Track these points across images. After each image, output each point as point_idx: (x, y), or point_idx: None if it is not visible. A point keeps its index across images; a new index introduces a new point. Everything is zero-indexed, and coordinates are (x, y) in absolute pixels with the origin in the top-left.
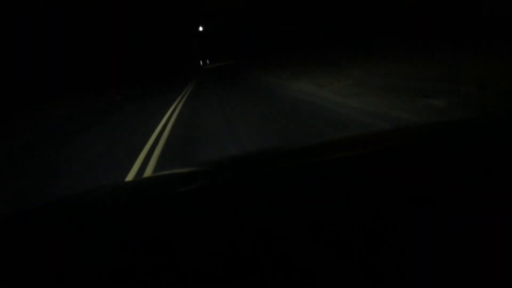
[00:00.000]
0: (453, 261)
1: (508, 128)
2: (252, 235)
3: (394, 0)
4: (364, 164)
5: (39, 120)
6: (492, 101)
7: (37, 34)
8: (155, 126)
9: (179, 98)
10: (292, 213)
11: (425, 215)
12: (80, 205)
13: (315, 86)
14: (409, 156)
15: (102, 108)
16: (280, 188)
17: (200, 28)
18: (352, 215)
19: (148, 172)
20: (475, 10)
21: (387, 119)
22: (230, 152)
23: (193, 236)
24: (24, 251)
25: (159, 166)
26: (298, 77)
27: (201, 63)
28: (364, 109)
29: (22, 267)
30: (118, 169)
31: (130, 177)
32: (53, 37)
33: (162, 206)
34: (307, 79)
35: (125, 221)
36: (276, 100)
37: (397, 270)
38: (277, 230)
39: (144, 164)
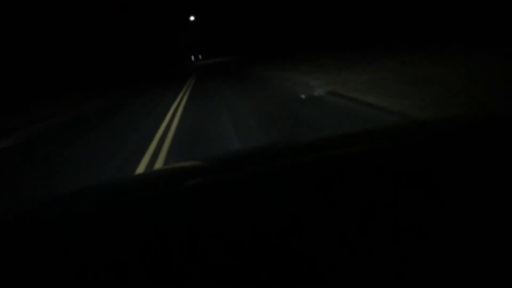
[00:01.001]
0: (453, 262)
1: (508, 127)
2: (254, 234)
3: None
4: (366, 162)
5: None
6: None
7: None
8: None
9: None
10: (295, 211)
11: (425, 215)
12: (83, 202)
13: None
14: (410, 154)
15: None
16: (283, 186)
17: (192, 18)
18: (353, 214)
19: None
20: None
21: None
22: None
23: (195, 235)
24: (28, 250)
25: None
26: None
27: (192, 58)
28: None
29: (24, 266)
30: None
31: None
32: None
33: (163, 204)
34: None
35: (127, 220)
36: None
37: (398, 271)
38: (279, 228)
39: None
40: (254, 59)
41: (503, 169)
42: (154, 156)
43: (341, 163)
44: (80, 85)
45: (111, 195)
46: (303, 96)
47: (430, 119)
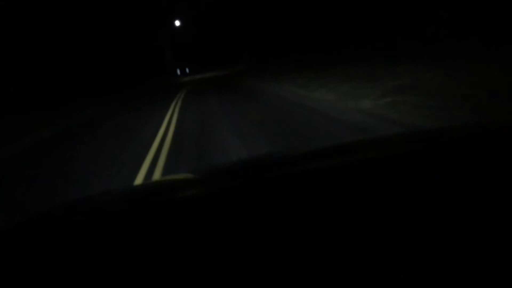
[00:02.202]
0: (457, 270)
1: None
2: (249, 244)
3: None
4: (366, 171)
5: None
6: None
7: None
8: None
9: None
10: (290, 221)
11: (429, 223)
12: (85, 211)
13: None
14: (414, 161)
15: None
16: (280, 195)
17: (177, 23)
18: (352, 222)
19: None
20: None
21: None
22: None
23: (191, 243)
24: (28, 257)
25: None
26: None
27: (178, 72)
28: None
29: (25, 271)
30: None
31: None
32: None
33: (160, 213)
34: None
35: (126, 228)
36: None
37: (400, 279)
38: (275, 238)
39: None
40: (261, 73)
41: (504, 174)
42: None
43: (342, 171)
44: None
45: (109, 204)
46: None
47: (436, 128)
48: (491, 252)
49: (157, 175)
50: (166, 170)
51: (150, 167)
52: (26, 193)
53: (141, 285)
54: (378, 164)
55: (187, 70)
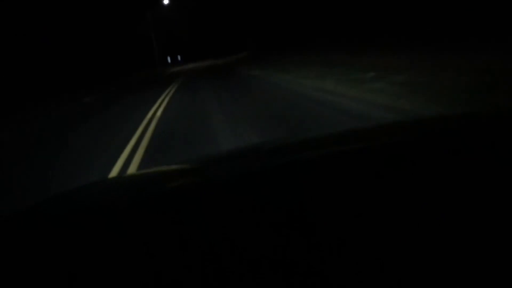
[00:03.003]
0: (456, 265)
1: (508, 123)
2: (244, 236)
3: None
4: (362, 160)
5: None
6: None
7: None
8: None
9: None
10: (286, 212)
11: (425, 215)
12: (78, 205)
13: None
14: (411, 151)
15: None
16: (273, 185)
17: (165, 1)
18: (350, 214)
19: None
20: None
21: None
22: None
23: (185, 236)
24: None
25: None
26: None
27: (169, 60)
28: None
29: (18, 267)
30: None
31: None
32: None
33: (153, 204)
34: None
35: (123, 220)
36: None
37: (400, 272)
38: (274, 236)
39: None
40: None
41: (503, 167)
42: None
43: (338, 160)
44: None
45: (104, 198)
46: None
47: (441, 116)
48: (491, 252)
49: None
50: None
51: None
52: None
53: (140, 285)
54: (377, 155)
55: (179, 58)
